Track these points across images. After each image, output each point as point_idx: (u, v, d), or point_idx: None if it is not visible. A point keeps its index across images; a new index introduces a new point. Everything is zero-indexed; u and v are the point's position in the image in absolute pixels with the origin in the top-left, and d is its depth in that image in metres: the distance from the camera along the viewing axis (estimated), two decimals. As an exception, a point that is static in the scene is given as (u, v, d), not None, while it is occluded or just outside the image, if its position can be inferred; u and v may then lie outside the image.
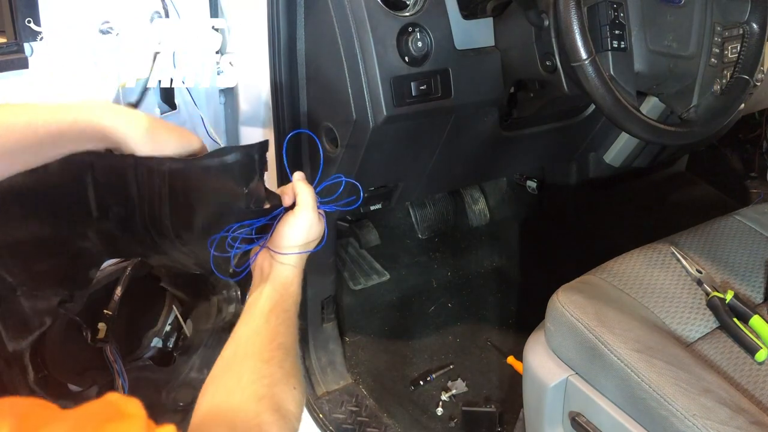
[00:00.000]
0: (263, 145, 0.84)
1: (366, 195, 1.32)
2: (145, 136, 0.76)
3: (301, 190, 0.85)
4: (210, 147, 1.23)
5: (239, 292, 1.27)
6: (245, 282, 0.91)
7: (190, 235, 0.85)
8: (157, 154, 0.77)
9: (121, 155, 0.79)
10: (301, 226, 0.84)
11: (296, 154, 1.28)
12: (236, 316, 1.22)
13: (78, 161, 0.79)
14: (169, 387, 1.20)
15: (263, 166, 0.84)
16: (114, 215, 0.84)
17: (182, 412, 1.18)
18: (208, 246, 0.82)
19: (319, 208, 0.86)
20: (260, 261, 0.85)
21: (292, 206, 0.85)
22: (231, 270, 0.85)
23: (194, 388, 1.18)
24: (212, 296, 1.28)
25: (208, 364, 1.12)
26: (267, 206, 0.83)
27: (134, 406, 0.51)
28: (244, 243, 0.84)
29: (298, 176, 0.88)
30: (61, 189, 0.81)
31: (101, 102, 0.79)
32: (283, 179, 0.89)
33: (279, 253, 0.83)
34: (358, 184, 0.90)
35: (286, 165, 0.89)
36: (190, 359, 1.19)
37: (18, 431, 0.44)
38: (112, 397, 0.52)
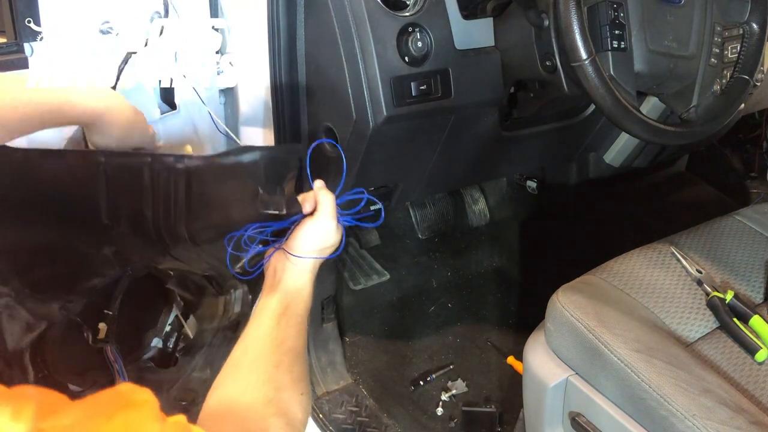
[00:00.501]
0: (290, 150, 0.84)
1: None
2: (119, 134, 0.80)
3: (322, 197, 0.86)
4: (221, 140, 1.22)
5: (246, 292, 1.27)
6: (255, 282, 0.91)
7: (205, 236, 0.85)
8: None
9: (136, 153, 0.79)
10: (319, 231, 0.84)
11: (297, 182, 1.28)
12: (242, 315, 1.22)
13: (89, 163, 0.78)
14: (171, 387, 1.20)
15: (290, 172, 0.83)
16: (125, 221, 0.83)
17: (183, 411, 1.18)
18: (225, 243, 0.82)
19: (339, 220, 0.86)
20: (274, 262, 0.85)
21: (312, 213, 0.85)
22: (244, 269, 0.85)
23: (196, 388, 1.18)
24: (219, 296, 1.28)
25: (211, 363, 1.12)
26: (283, 212, 0.83)
27: (145, 394, 0.52)
28: (259, 244, 0.84)
29: (319, 184, 0.88)
30: (71, 193, 0.80)
31: (92, 89, 0.82)
32: (303, 186, 0.89)
33: (294, 256, 0.83)
34: (380, 204, 0.90)
35: (308, 173, 0.88)
36: (193, 359, 1.18)
37: (39, 413, 0.44)
38: (124, 387, 0.53)
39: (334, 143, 0.93)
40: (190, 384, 1.15)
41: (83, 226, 0.83)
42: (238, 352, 0.76)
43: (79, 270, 0.91)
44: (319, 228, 0.84)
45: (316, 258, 0.84)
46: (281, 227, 0.84)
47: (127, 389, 0.53)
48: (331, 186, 0.90)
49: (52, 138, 1.01)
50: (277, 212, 0.82)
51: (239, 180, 0.82)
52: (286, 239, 0.84)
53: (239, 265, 0.85)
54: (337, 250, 0.87)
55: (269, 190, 0.82)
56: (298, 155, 0.89)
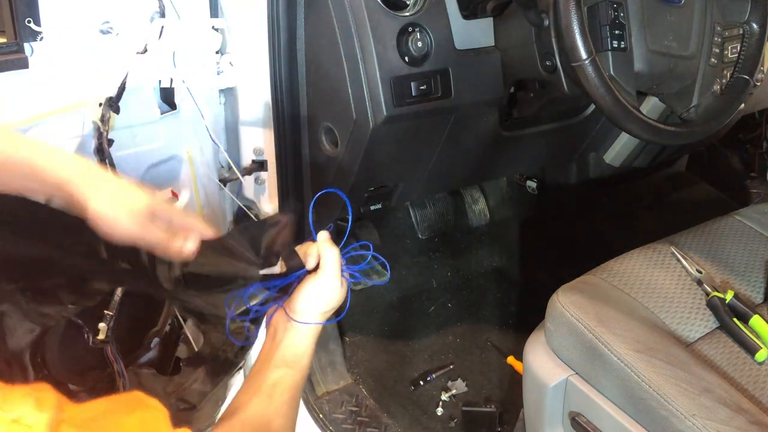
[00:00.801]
0: (286, 212, 0.80)
1: (366, 195, 1.33)
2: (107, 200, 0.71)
3: (326, 252, 0.80)
4: (210, 149, 1.19)
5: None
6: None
7: (204, 293, 0.83)
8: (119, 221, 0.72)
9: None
10: (323, 291, 0.79)
11: (298, 182, 1.28)
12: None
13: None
14: (172, 393, 1.20)
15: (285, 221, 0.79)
16: (124, 260, 0.82)
17: (183, 412, 1.18)
18: (225, 306, 0.78)
19: (343, 273, 0.81)
20: (275, 321, 0.80)
21: (315, 269, 0.80)
22: (245, 336, 0.82)
23: (196, 399, 1.17)
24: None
25: (213, 378, 1.12)
26: (283, 269, 0.78)
27: (157, 402, 0.53)
28: (261, 298, 0.80)
29: (323, 236, 0.82)
30: (69, 235, 0.79)
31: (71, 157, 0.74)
32: (302, 233, 0.86)
33: (297, 321, 0.78)
34: (386, 261, 0.85)
35: (311, 224, 0.83)
36: (195, 370, 1.18)
37: (59, 405, 0.45)
38: (137, 393, 0.54)
39: (339, 192, 0.88)
40: (191, 394, 1.15)
41: (83, 256, 0.82)
42: (227, 413, 0.72)
43: (80, 285, 0.91)
44: (324, 287, 0.78)
45: (319, 323, 0.79)
46: (283, 284, 0.80)
47: (140, 395, 0.54)
48: (327, 218, 0.85)
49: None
50: (276, 271, 0.78)
51: (236, 254, 0.78)
52: (288, 297, 0.79)
53: (239, 311, 0.83)
54: (342, 311, 0.83)
55: (266, 254, 0.78)
56: (293, 210, 0.84)
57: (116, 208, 0.71)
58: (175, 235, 0.74)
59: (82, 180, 0.70)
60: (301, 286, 0.79)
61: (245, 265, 0.78)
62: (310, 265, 0.80)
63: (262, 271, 0.78)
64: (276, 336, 0.78)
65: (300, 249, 0.81)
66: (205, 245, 0.77)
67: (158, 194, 0.75)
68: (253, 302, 0.79)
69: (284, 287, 0.79)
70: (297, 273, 0.79)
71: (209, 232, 0.77)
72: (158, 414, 0.52)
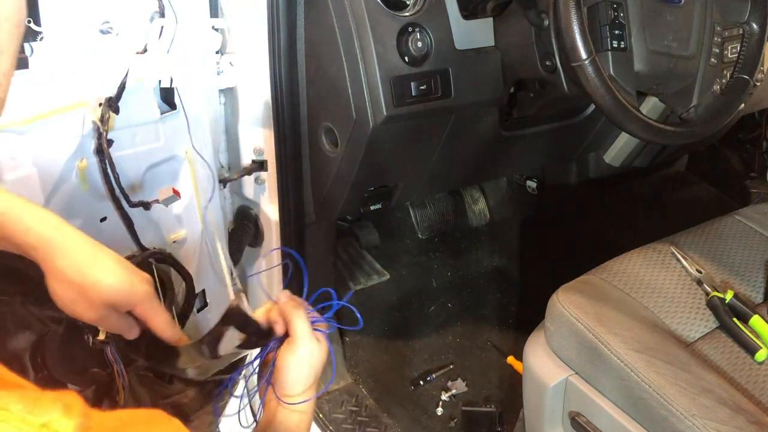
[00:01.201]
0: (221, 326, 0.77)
1: (366, 195, 1.33)
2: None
3: (294, 317, 0.75)
4: (221, 140, 1.16)
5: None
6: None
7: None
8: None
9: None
10: (304, 362, 0.75)
11: (297, 182, 1.28)
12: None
13: None
14: (167, 396, 1.20)
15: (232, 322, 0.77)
16: None
17: (180, 414, 1.18)
18: (212, 400, 0.78)
19: (316, 325, 0.77)
20: (268, 397, 0.77)
21: (285, 336, 0.76)
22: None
23: (192, 408, 1.17)
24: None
25: (204, 399, 1.11)
26: (252, 349, 0.76)
27: (179, 423, 0.53)
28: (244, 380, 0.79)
29: (284, 297, 0.77)
30: None
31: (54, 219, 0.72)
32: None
33: (287, 404, 0.75)
34: (354, 309, 0.82)
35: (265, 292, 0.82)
36: (187, 388, 1.17)
37: (86, 412, 0.45)
38: (159, 411, 0.54)
39: (293, 253, 0.84)
40: (186, 404, 1.15)
41: None
42: None
43: None
44: (303, 357, 0.75)
45: (308, 400, 0.77)
46: (261, 359, 0.77)
47: (161, 413, 0.53)
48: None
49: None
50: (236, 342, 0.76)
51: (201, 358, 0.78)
52: (271, 374, 0.75)
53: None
54: (331, 378, 0.81)
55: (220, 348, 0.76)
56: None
57: (75, 296, 0.70)
58: (126, 322, 0.75)
59: (48, 251, 0.69)
60: (281, 358, 0.75)
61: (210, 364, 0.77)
62: (279, 331, 0.76)
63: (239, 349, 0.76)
64: (269, 411, 0.76)
65: (261, 313, 0.78)
66: (172, 348, 0.77)
67: (132, 286, 0.73)
68: (237, 388, 0.79)
69: (265, 360, 0.77)
70: (270, 345, 0.76)
71: (169, 333, 0.76)
72: (179, 430, 0.52)
